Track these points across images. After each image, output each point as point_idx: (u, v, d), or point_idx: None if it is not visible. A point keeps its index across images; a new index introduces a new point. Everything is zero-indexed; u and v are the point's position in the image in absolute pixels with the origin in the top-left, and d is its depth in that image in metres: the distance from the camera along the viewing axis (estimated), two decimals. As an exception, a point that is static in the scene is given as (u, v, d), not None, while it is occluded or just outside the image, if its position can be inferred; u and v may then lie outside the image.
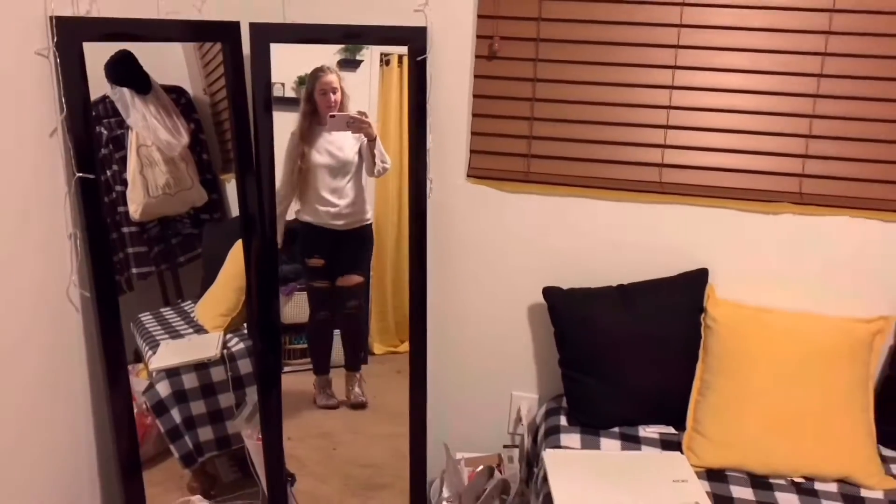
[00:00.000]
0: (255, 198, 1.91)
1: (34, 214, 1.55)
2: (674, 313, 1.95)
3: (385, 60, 1.94)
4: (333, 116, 1.92)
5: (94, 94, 1.63)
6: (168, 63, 1.82)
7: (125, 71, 1.73)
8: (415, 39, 1.94)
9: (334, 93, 1.94)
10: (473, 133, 2.08)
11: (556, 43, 1.98)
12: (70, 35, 1.55)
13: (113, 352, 1.71)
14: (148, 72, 1.77)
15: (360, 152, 1.99)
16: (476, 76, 2.03)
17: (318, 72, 1.94)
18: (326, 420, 2.13)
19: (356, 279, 2.08)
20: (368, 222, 2.05)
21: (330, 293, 2.07)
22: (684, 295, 1.97)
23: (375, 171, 1.99)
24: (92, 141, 1.61)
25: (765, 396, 1.80)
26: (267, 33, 1.88)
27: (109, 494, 1.89)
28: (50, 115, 1.56)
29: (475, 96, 2.05)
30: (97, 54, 1.61)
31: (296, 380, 2.10)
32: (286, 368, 2.06)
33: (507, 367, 2.23)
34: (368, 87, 1.96)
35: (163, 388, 1.94)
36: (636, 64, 1.95)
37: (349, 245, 2.06)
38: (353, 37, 1.94)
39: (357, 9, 1.98)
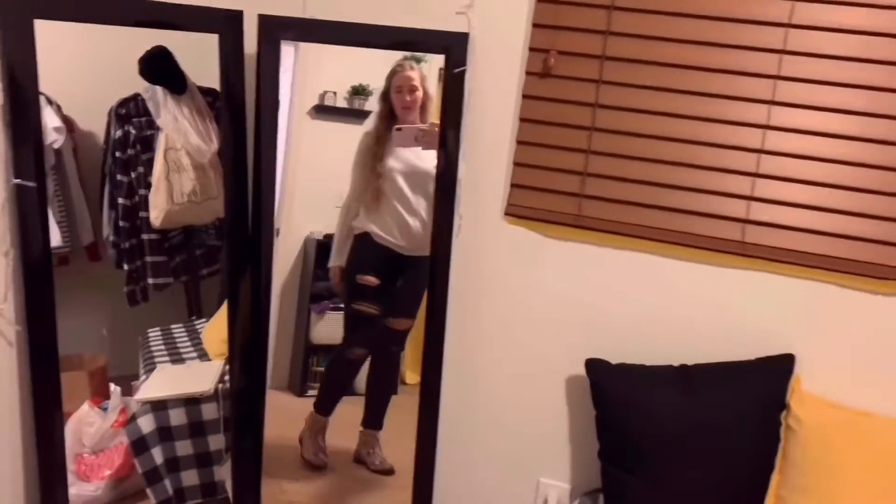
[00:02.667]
0: (247, 217, 1.79)
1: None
2: (747, 407, 1.68)
3: (443, 75, 1.83)
4: (400, 129, 1.82)
5: (128, 91, 1.67)
6: (207, 62, 1.73)
7: (160, 68, 1.72)
8: (453, 47, 1.76)
9: (412, 91, 1.83)
10: (516, 164, 1.87)
11: (625, 63, 1.77)
12: (16, 8, 1.35)
13: (45, 396, 1.57)
14: (185, 71, 1.76)
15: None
16: (524, 96, 1.84)
17: (397, 66, 1.83)
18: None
19: (409, 323, 1.97)
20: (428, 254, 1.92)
21: (375, 326, 1.96)
22: (762, 385, 1.71)
23: None
24: (38, 138, 1.43)
25: (861, 527, 1.52)
26: (278, 28, 1.72)
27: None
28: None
29: (522, 120, 1.85)
30: (134, 47, 1.64)
31: None
32: (310, 392, 2.03)
33: (536, 449, 1.99)
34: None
35: (146, 424, 1.87)
36: (723, 95, 1.73)
37: (410, 277, 1.94)
38: (378, 39, 1.76)
39: (393, 8, 1.81)
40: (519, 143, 1.84)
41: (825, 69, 1.65)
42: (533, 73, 1.81)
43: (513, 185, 1.87)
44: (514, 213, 1.87)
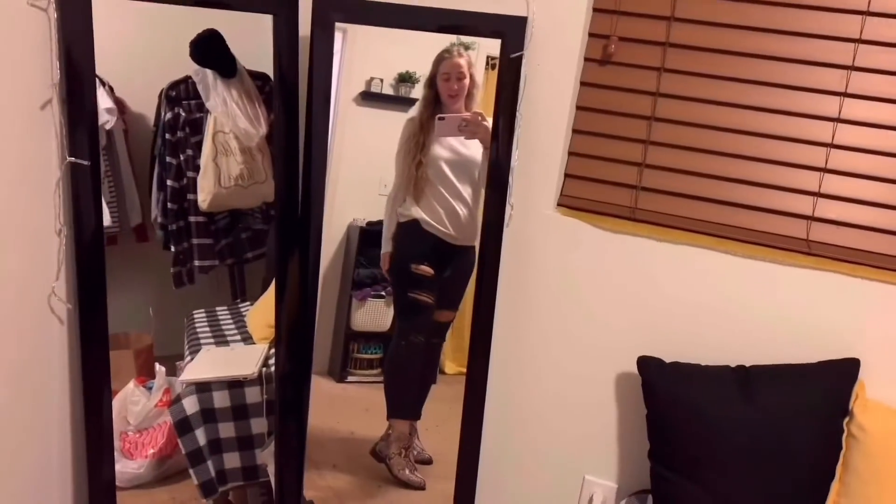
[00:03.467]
0: (297, 201, 1.77)
1: (18, 203, 1.35)
2: (808, 412, 1.61)
3: (491, 64, 1.78)
4: (443, 118, 1.76)
5: (178, 74, 1.68)
6: (257, 47, 1.73)
7: (210, 51, 1.72)
8: (511, 31, 1.69)
9: (460, 79, 1.78)
10: (571, 153, 1.81)
11: (689, 50, 1.71)
12: None
13: (94, 374, 1.56)
14: (235, 54, 1.75)
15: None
16: (582, 83, 1.78)
17: (444, 52, 1.79)
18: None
19: (452, 315, 1.95)
20: (476, 245, 1.88)
21: (427, 313, 1.93)
22: (825, 390, 1.63)
23: None
24: (92, 118, 1.41)
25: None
26: (332, 9, 1.68)
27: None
28: (43, 83, 1.34)
29: (578, 108, 1.79)
30: (185, 30, 1.64)
31: (359, 392, 2.04)
32: (350, 377, 2.03)
33: (582, 446, 1.93)
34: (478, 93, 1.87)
35: (190, 405, 1.88)
36: (792, 86, 1.65)
37: (456, 268, 1.90)
38: (433, 22, 1.71)
39: None
40: (575, 132, 1.79)
41: None
42: (592, 60, 1.75)
43: (567, 176, 1.81)
44: (568, 204, 1.81)
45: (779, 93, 1.65)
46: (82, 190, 1.40)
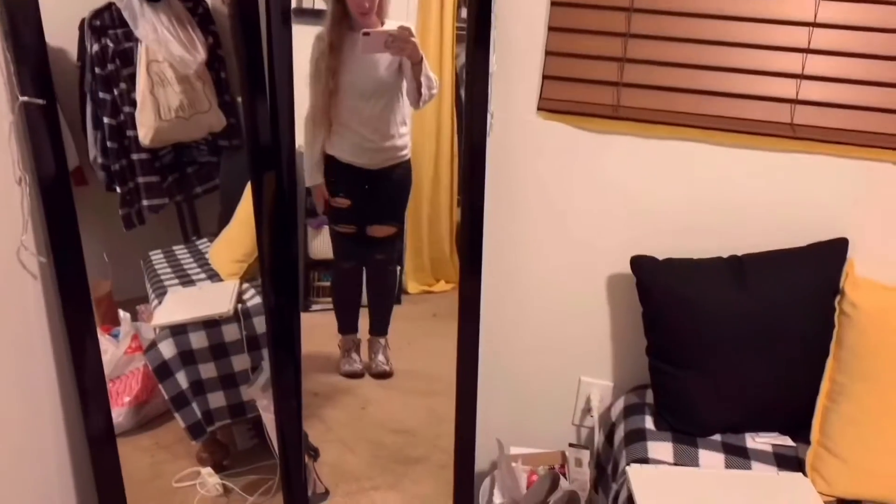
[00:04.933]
0: (267, 125, 1.68)
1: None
2: (800, 295, 1.64)
3: None
4: (367, 34, 1.67)
5: (99, 2, 1.58)
6: None
7: None
8: None
9: None
10: (548, 53, 1.74)
11: None
12: None
13: (78, 324, 1.52)
14: None
15: (399, 70, 1.76)
16: None
17: None
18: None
19: (388, 230, 1.95)
20: (405, 159, 1.88)
21: (358, 240, 1.94)
22: (815, 272, 1.66)
23: (421, 101, 1.75)
24: (41, 52, 1.30)
25: (919, 408, 1.51)
26: None
27: (80, 472, 1.73)
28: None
29: (553, 3, 1.71)
30: None
31: (325, 319, 2.03)
32: (313, 306, 2.01)
33: (576, 347, 1.96)
34: (406, 2, 1.79)
35: (167, 349, 1.85)
36: None
37: (383, 188, 1.90)
38: None
39: None
40: (552, 29, 1.72)
41: None
42: (566, -48, 1.66)
43: (546, 77, 1.75)
44: (550, 107, 1.76)
45: None
46: (40, 132, 1.30)
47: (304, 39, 1.73)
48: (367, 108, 1.79)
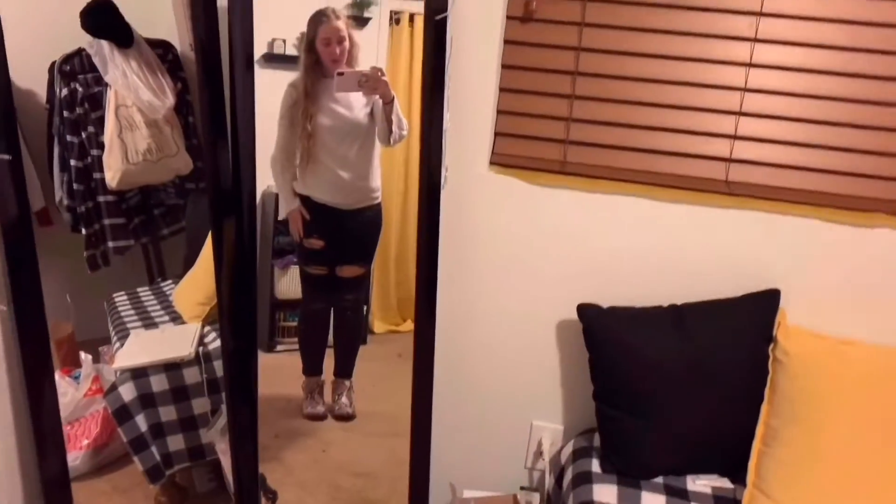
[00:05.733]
0: (228, 169, 1.70)
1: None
2: (736, 342, 1.70)
3: (395, 19, 1.79)
4: (342, 74, 1.71)
5: (69, 47, 1.60)
6: (154, 14, 1.73)
7: (104, 21, 1.65)
8: None
9: (340, 42, 1.73)
10: (500, 112, 1.83)
11: (607, 3, 1.72)
12: None
13: (36, 367, 1.53)
14: (130, 23, 1.68)
15: (371, 114, 1.79)
16: (506, 41, 1.78)
17: (321, 16, 1.73)
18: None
19: (358, 270, 1.94)
20: (377, 202, 1.88)
21: (328, 281, 1.93)
22: (750, 320, 1.73)
23: (391, 139, 1.78)
24: (10, 111, 1.36)
25: (847, 451, 1.57)
26: None
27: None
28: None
29: (504, 66, 1.80)
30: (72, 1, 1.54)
31: (289, 360, 2.01)
32: (278, 347, 1.99)
33: (528, 392, 1.99)
34: (377, 49, 1.81)
35: (127, 392, 1.83)
36: (706, 34, 1.69)
37: (354, 229, 1.90)
38: None
39: None
40: (502, 90, 1.80)
41: (805, 5, 1.63)
42: (514, 18, 1.75)
43: (497, 134, 1.83)
44: (501, 162, 1.83)
45: (694, 41, 1.68)
46: (4, 183, 1.34)
47: (275, 84, 1.77)
48: (343, 149, 1.81)
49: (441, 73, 1.69)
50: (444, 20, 1.66)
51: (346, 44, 1.73)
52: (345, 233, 1.89)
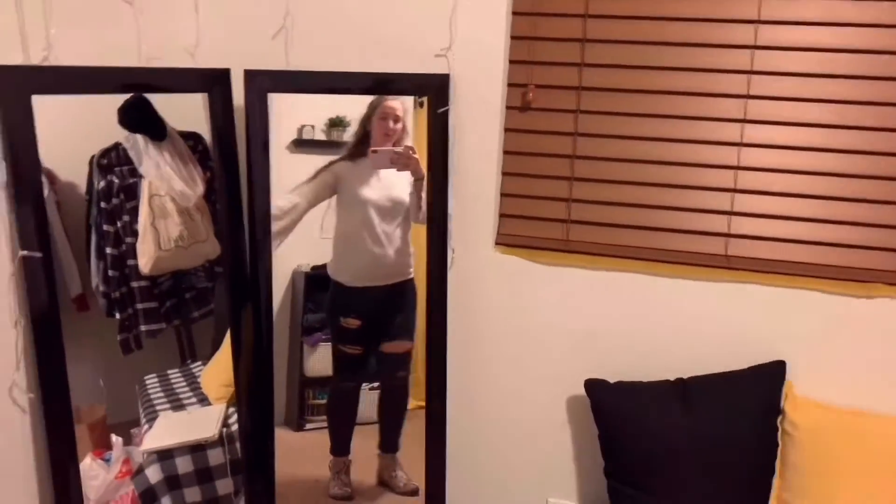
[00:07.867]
0: (245, 260, 1.79)
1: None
2: (744, 415, 1.69)
3: (419, 102, 1.82)
4: (375, 152, 1.78)
5: (108, 142, 1.64)
6: (186, 107, 1.74)
7: (139, 116, 1.69)
8: (436, 88, 1.76)
9: (395, 121, 1.80)
10: (503, 195, 1.89)
11: (601, 92, 1.79)
12: (16, 86, 1.35)
13: (61, 453, 1.54)
14: (163, 117, 1.72)
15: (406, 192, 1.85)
16: (507, 129, 1.86)
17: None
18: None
19: (405, 345, 1.93)
20: (411, 276, 1.90)
21: (362, 361, 1.94)
22: (757, 393, 1.72)
23: (421, 215, 1.83)
24: (40, 208, 1.42)
25: (860, 523, 1.54)
26: (264, 82, 1.73)
27: None
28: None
29: (506, 153, 1.87)
30: (111, 98, 1.61)
31: (318, 439, 1.98)
32: (308, 426, 1.99)
33: (543, 469, 1.98)
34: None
35: (153, 474, 1.83)
36: (698, 117, 1.75)
37: (394, 304, 1.91)
38: (362, 87, 1.76)
39: (372, 53, 1.82)
40: (505, 174, 1.86)
41: (791, 86, 1.69)
42: (513, 108, 1.83)
43: (502, 216, 1.88)
44: (506, 242, 1.88)
45: (686, 123, 1.74)
46: (37, 281, 1.40)
47: (304, 167, 1.83)
48: (384, 224, 1.84)
49: (445, 162, 1.78)
50: (447, 113, 1.76)
51: (401, 125, 1.80)
52: (386, 310, 1.91)
